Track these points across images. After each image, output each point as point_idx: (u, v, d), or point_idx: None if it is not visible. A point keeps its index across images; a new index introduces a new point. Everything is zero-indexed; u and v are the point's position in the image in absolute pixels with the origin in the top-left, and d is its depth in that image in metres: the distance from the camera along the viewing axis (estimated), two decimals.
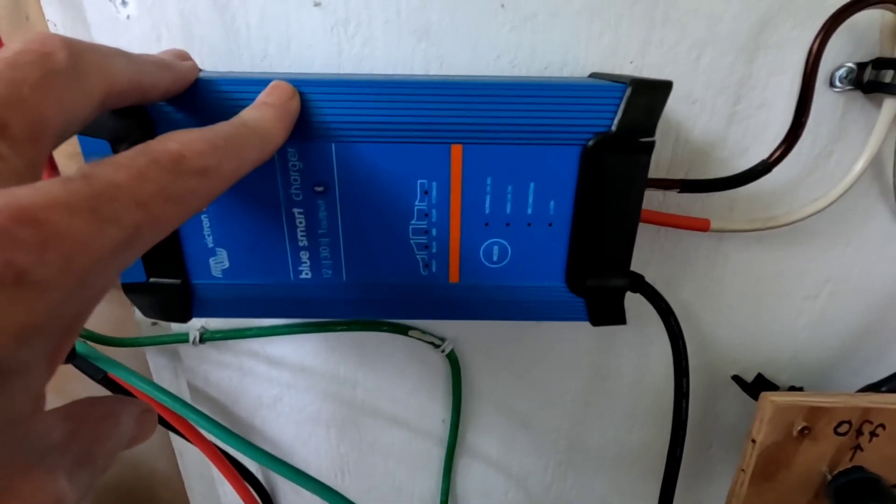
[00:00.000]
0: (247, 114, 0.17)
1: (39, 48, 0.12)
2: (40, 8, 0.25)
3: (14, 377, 0.09)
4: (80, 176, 0.10)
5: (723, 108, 0.25)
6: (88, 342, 0.28)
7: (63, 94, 0.12)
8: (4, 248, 0.08)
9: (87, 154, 0.19)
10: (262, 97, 0.18)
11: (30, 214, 0.09)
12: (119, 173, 0.11)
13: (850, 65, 0.24)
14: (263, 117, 0.17)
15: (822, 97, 0.25)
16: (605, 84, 0.19)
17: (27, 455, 0.10)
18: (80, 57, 0.13)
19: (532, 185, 0.20)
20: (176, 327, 0.30)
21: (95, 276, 0.10)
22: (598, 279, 0.21)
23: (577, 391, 0.33)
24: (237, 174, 0.15)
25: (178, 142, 0.13)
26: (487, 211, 0.20)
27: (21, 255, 0.09)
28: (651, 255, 0.28)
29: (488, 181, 0.20)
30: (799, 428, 0.27)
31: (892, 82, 0.23)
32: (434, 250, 0.21)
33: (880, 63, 0.23)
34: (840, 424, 0.27)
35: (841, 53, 0.24)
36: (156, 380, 0.33)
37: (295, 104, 0.18)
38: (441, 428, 0.34)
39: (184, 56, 0.19)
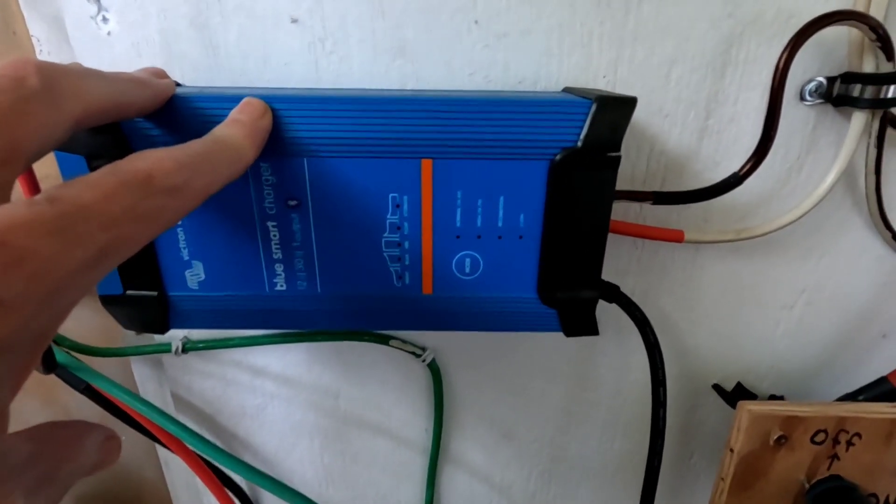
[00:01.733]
0: (219, 131, 0.17)
1: (13, 73, 0.12)
2: (26, 24, 0.25)
3: None
4: (45, 198, 0.11)
5: (694, 122, 0.25)
6: (71, 352, 0.28)
7: (36, 117, 0.12)
8: None
9: (63, 169, 0.19)
10: (233, 114, 0.18)
11: None
12: (85, 193, 0.11)
13: (819, 79, 0.24)
14: (234, 134, 0.17)
15: (793, 111, 0.25)
16: (571, 100, 0.19)
17: None
18: (54, 80, 0.13)
19: (502, 198, 0.20)
20: (159, 337, 0.30)
21: (61, 295, 0.10)
22: (569, 291, 0.22)
23: (558, 401, 0.33)
24: (207, 192, 0.15)
25: (147, 161, 0.13)
26: (458, 224, 0.21)
27: None
28: (629, 265, 0.29)
29: (458, 195, 0.20)
30: (775, 437, 0.27)
31: (860, 96, 0.24)
32: (407, 262, 0.21)
33: (849, 77, 0.24)
34: (816, 433, 0.27)
35: (810, 68, 0.24)
36: (140, 389, 0.34)
37: (266, 121, 0.18)
38: (424, 437, 0.34)
39: (160, 74, 0.20)
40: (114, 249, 0.11)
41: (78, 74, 0.14)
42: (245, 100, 0.18)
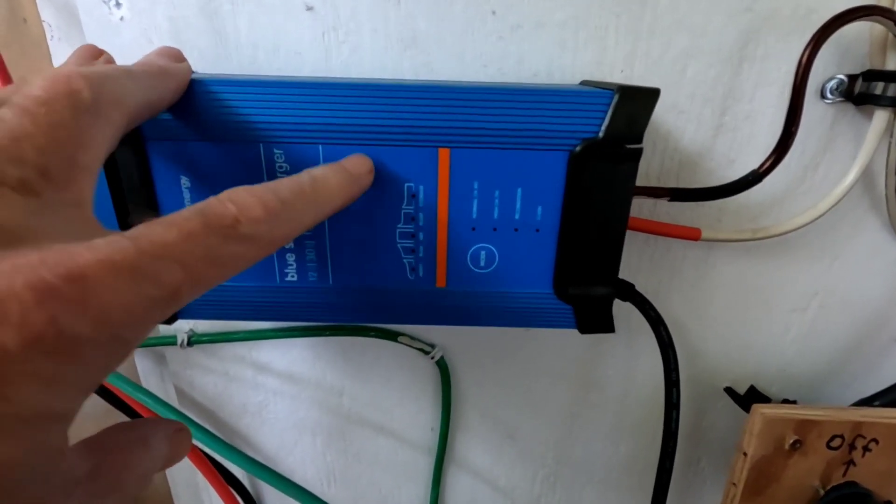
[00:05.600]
0: (319, 171, 0.17)
1: (66, 88, 0.12)
2: (37, 10, 0.25)
3: (47, 422, 0.10)
4: (131, 235, 0.11)
5: (709, 119, 0.25)
6: None
7: (93, 131, 0.12)
8: (51, 307, 0.09)
9: None
10: (343, 160, 0.18)
11: (78, 273, 0.09)
12: (170, 233, 0.11)
13: (840, 76, 0.24)
14: (333, 180, 0.17)
15: (813, 108, 0.25)
16: (592, 90, 0.19)
17: (54, 492, 0.10)
18: (101, 90, 0.13)
19: (519, 190, 0.20)
20: (164, 329, 0.29)
21: (129, 332, 0.10)
22: (586, 286, 0.21)
23: (564, 402, 0.32)
24: (284, 242, 0.14)
25: (237, 204, 0.13)
26: (475, 215, 0.20)
27: (64, 313, 0.09)
28: (640, 263, 0.28)
29: (475, 185, 0.20)
30: (790, 441, 0.27)
31: (882, 94, 0.23)
32: (421, 254, 0.21)
33: (871, 75, 0.23)
34: (832, 438, 0.27)
35: (830, 65, 0.24)
36: (143, 383, 0.33)
37: (369, 180, 0.19)
38: (429, 437, 0.33)
39: (177, 56, 0.19)
40: (185, 290, 0.11)
41: (118, 79, 0.14)
42: (356, 154, 0.19)
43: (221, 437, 0.33)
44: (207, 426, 0.33)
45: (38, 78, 0.12)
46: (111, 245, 0.10)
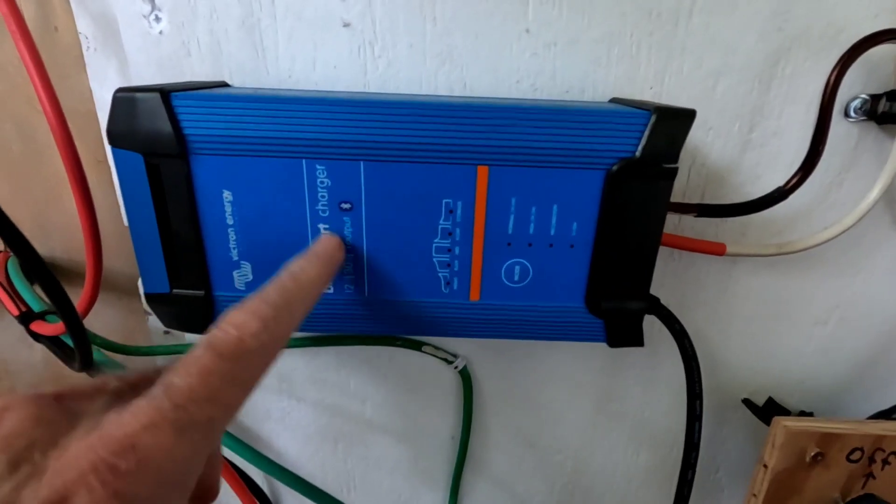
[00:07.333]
0: (297, 267, 0.17)
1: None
2: (71, 19, 0.25)
3: None
4: (163, 392, 0.12)
5: (738, 135, 0.25)
6: (104, 350, 0.28)
7: None
8: (111, 482, 0.10)
9: (119, 167, 0.19)
10: (312, 247, 0.19)
11: (127, 443, 0.10)
12: (191, 377, 0.12)
13: (864, 96, 0.24)
14: (311, 269, 0.18)
15: (837, 126, 0.25)
16: (629, 111, 0.19)
17: None
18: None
19: (555, 207, 0.20)
20: (190, 336, 0.30)
21: (182, 476, 0.11)
22: (618, 301, 0.22)
23: (585, 411, 0.33)
24: (289, 335, 0.15)
25: (235, 326, 0.13)
26: (510, 231, 0.20)
27: (122, 483, 0.10)
28: (664, 277, 0.28)
29: (512, 202, 0.20)
30: (812, 454, 0.27)
31: None
32: (456, 268, 0.21)
33: (894, 95, 0.24)
34: (853, 452, 0.27)
35: (855, 84, 0.24)
36: None
37: (341, 255, 0.20)
38: (449, 445, 0.34)
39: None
40: (219, 419, 0.12)
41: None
42: (323, 235, 0.20)
43: (244, 441, 0.34)
44: (230, 430, 0.33)
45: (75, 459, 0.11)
46: (150, 406, 0.11)
